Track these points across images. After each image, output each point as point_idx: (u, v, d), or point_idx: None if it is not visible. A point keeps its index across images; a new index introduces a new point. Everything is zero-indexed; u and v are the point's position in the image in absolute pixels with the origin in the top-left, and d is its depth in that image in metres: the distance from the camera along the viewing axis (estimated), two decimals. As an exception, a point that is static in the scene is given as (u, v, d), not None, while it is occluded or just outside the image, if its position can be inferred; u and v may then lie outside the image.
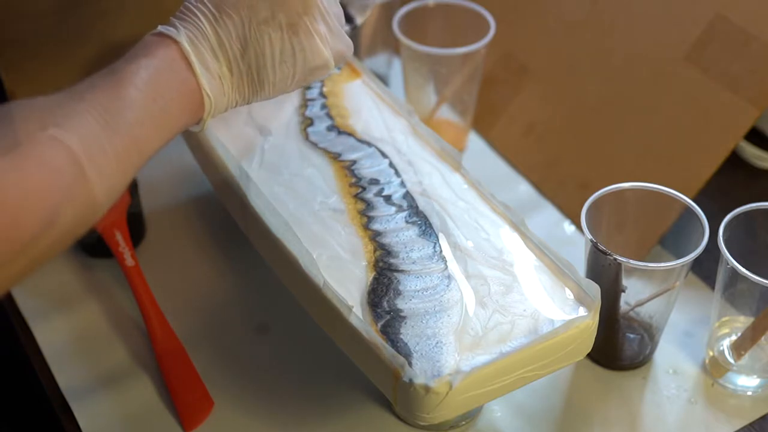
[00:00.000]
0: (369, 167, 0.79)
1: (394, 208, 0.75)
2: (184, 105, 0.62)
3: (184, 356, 0.78)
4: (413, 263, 0.72)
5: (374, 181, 0.78)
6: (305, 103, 0.85)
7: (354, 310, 0.67)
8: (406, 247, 0.73)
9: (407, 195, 0.77)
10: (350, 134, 0.82)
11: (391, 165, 0.79)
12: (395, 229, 0.74)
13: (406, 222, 0.74)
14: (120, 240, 0.85)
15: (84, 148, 0.55)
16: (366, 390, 0.76)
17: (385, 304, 0.69)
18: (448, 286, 0.70)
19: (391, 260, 0.72)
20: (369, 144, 0.81)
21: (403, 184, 0.77)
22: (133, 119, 0.58)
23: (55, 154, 0.54)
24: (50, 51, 0.94)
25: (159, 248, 0.89)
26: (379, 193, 0.77)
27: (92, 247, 0.87)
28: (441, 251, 0.72)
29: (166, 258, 0.88)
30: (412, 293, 0.69)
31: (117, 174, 0.57)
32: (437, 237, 0.73)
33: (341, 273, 0.70)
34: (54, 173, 0.53)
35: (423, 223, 0.74)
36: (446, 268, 0.71)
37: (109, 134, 0.56)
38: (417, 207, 0.76)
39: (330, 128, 0.83)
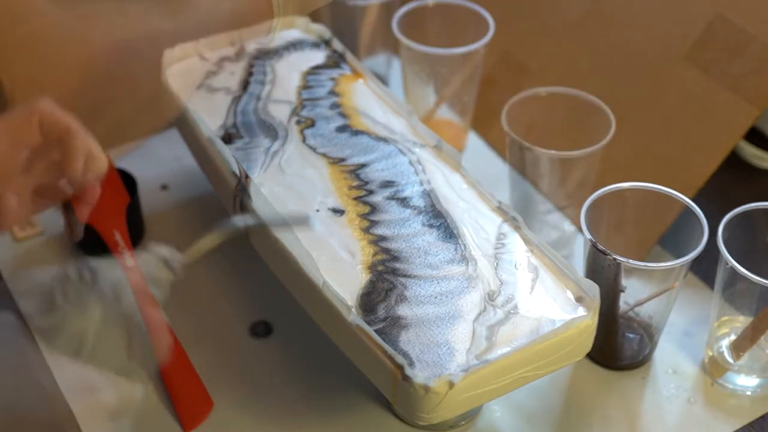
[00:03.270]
0: (384, 169, 0.78)
1: (409, 211, 0.75)
2: None
3: (184, 356, 0.78)
4: (430, 268, 0.71)
5: (388, 184, 0.77)
6: (302, 104, 0.85)
7: (353, 310, 0.67)
8: (421, 251, 0.72)
9: (426, 194, 0.76)
10: (366, 133, 0.82)
11: (411, 163, 0.79)
12: (409, 234, 0.73)
13: (424, 225, 0.74)
14: (120, 240, 0.85)
15: None
16: (366, 390, 0.76)
17: (381, 310, 0.68)
18: (467, 288, 0.70)
19: (398, 265, 0.71)
20: (387, 142, 0.81)
21: (422, 182, 0.77)
22: None
23: None
24: (50, 51, 0.94)
25: (159, 248, 0.89)
26: (392, 196, 0.76)
27: (92, 247, 0.87)
28: (463, 252, 0.72)
29: (166, 258, 0.88)
30: (424, 299, 0.69)
31: None
32: (458, 238, 0.73)
33: (341, 274, 0.70)
34: None
35: (443, 225, 0.74)
36: (467, 269, 0.71)
37: None
38: (436, 208, 0.75)
39: (342, 128, 0.82)
